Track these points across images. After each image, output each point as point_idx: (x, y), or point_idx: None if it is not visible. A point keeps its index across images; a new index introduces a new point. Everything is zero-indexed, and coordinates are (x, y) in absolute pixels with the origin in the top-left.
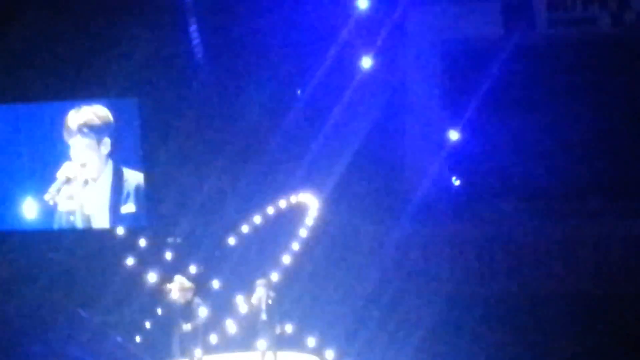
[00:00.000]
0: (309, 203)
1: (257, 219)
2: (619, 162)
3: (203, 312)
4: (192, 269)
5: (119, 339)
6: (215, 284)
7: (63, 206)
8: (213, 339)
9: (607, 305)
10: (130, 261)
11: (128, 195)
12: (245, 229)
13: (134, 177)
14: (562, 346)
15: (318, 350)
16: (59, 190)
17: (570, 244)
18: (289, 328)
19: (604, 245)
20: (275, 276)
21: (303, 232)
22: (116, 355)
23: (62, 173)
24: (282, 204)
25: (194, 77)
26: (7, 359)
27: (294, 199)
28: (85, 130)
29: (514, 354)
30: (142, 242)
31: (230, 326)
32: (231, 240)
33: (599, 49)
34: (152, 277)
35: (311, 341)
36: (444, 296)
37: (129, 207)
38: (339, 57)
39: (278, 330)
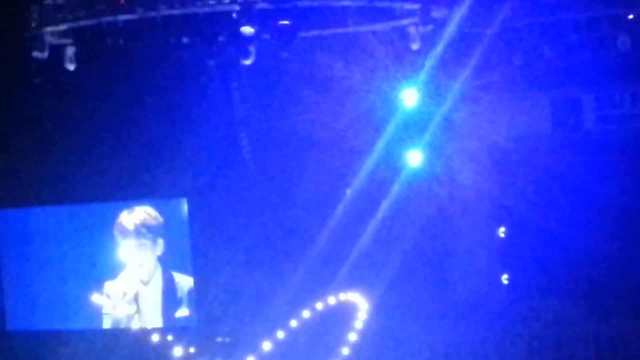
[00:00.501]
0: (358, 303)
1: (306, 314)
2: None
3: None
4: None
5: None
6: None
7: (121, 311)
8: None
9: None
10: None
11: (181, 300)
12: (294, 323)
13: (185, 281)
14: None
15: None
16: (114, 306)
17: (620, 343)
18: None
19: None
20: None
21: (353, 337)
22: None
23: (119, 288)
24: (331, 300)
25: (242, 176)
26: None
27: (342, 296)
28: (142, 230)
29: None
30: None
31: None
32: (280, 334)
33: None
34: None
35: None
36: None
37: (182, 312)
38: (387, 155)
39: None
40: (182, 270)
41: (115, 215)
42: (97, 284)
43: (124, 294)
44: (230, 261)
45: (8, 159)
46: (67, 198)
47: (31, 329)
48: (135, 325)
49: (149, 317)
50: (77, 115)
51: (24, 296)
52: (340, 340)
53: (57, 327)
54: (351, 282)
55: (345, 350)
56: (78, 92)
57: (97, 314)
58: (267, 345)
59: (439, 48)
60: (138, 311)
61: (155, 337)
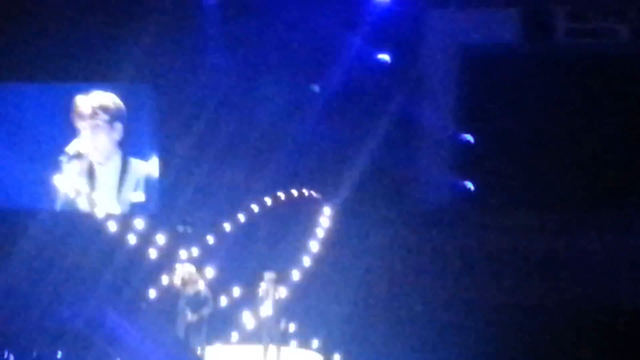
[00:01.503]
0: (321, 202)
1: (268, 201)
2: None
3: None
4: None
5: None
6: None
7: (69, 184)
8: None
9: (616, 317)
10: (132, 239)
11: (137, 184)
12: (255, 208)
13: (143, 167)
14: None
15: (322, 350)
16: (69, 160)
17: (579, 256)
18: (292, 327)
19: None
20: (296, 274)
21: (320, 233)
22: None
23: (72, 147)
24: (294, 192)
25: (210, 67)
26: None
27: (305, 191)
28: (98, 112)
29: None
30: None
31: (247, 319)
32: (241, 217)
33: (617, 60)
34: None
35: (316, 342)
36: (449, 302)
37: (138, 196)
38: (355, 56)
39: (282, 326)
40: (143, 157)
41: (72, 98)
42: (53, 166)
43: (78, 153)
44: (196, 151)
45: None
46: (27, 76)
47: None
48: (90, 206)
49: (105, 199)
50: None
51: None
52: (308, 234)
53: (9, 205)
54: (315, 182)
55: (315, 246)
56: None
57: (52, 194)
58: (227, 226)
59: None
60: (92, 191)
61: (112, 224)
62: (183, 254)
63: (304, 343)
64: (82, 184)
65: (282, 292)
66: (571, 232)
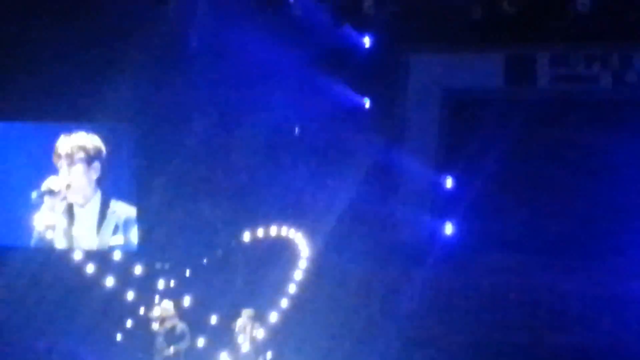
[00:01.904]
0: (299, 242)
1: (247, 236)
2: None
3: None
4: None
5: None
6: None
7: (42, 220)
8: None
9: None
10: (110, 282)
11: (117, 227)
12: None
13: (122, 210)
14: None
15: None
16: (41, 196)
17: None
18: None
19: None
20: (274, 316)
21: (298, 275)
22: None
23: (47, 184)
24: (273, 230)
25: (191, 107)
26: None
27: (284, 230)
28: (76, 151)
29: None
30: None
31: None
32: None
33: (599, 107)
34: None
35: None
36: (428, 339)
37: (117, 239)
38: (338, 99)
39: None
40: (123, 198)
41: (56, 138)
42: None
43: (49, 190)
44: (174, 190)
45: None
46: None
47: None
48: (68, 243)
49: (83, 239)
50: (26, 33)
51: None
52: (287, 278)
53: None
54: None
55: (292, 288)
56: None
57: (31, 231)
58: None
59: None
60: (71, 231)
61: (90, 267)
62: (161, 283)
63: None
64: (61, 222)
65: (260, 333)
66: (550, 273)
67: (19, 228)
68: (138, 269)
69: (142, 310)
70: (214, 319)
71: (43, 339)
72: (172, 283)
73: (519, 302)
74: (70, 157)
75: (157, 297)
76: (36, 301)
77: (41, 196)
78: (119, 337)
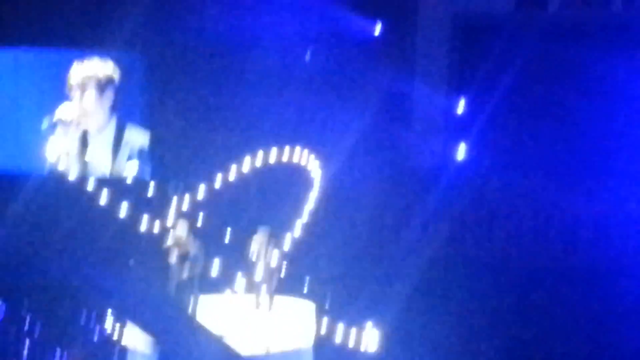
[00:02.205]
0: (311, 167)
1: (259, 159)
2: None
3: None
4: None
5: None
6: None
7: (54, 148)
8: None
9: None
10: (124, 207)
11: (132, 153)
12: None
13: (137, 136)
14: None
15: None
16: (53, 125)
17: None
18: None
19: None
20: (288, 240)
21: (311, 201)
22: None
23: (58, 112)
24: (286, 153)
25: (199, 33)
26: None
27: (297, 154)
28: (88, 79)
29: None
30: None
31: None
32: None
33: (609, 30)
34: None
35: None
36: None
37: (132, 166)
38: (347, 25)
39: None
40: (137, 123)
41: (67, 65)
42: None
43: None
44: (187, 119)
45: None
46: (21, 41)
47: None
48: (82, 172)
49: (99, 167)
50: None
51: None
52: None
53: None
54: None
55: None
56: None
57: (44, 159)
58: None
59: None
60: (85, 158)
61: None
62: (174, 205)
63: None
64: (74, 149)
65: (275, 257)
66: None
67: (32, 156)
68: (151, 191)
69: (156, 235)
70: (228, 237)
71: (56, 263)
72: (185, 204)
73: (533, 225)
74: (83, 85)
75: (171, 220)
76: (50, 227)
77: (53, 124)
78: (130, 260)
